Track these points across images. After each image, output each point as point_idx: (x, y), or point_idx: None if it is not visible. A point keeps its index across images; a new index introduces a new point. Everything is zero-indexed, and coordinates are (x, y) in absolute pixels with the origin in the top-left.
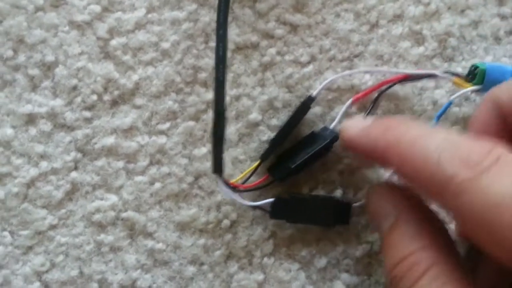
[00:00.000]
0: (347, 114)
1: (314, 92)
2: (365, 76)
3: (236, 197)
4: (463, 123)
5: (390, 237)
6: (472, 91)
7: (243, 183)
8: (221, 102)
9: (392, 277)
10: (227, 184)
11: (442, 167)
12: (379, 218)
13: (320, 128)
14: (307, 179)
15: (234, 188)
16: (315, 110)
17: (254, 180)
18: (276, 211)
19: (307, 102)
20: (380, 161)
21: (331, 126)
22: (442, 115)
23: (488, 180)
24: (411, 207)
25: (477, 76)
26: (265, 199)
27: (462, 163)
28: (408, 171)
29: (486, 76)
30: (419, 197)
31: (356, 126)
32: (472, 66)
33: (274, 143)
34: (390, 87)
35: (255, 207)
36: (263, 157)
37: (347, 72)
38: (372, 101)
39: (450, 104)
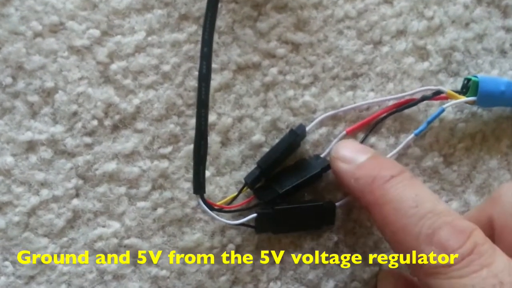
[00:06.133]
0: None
1: (307, 127)
2: (369, 94)
3: (217, 217)
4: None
5: None
6: (467, 102)
7: (229, 205)
8: (203, 121)
9: None
10: (208, 205)
11: (420, 246)
12: None
13: (313, 155)
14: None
15: (219, 209)
16: (320, 129)
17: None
18: (261, 226)
19: (296, 132)
20: (362, 205)
21: (323, 155)
22: (432, 121)
23: (458, 273)
24: None
25: (470, 89)
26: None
27: (438, 248)
28: (387, 233)
29: (479, 88)
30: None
31: (347, 159)
32: (465, 79)
33: (260, 167)
34: (387, 116)
35: (239, 225)
36: (247, 179)
37: (341, 109)
38: (372, 125)
39: (442, 111)
